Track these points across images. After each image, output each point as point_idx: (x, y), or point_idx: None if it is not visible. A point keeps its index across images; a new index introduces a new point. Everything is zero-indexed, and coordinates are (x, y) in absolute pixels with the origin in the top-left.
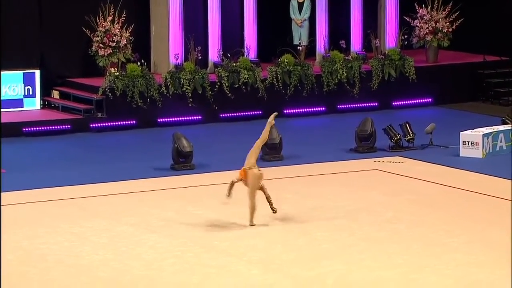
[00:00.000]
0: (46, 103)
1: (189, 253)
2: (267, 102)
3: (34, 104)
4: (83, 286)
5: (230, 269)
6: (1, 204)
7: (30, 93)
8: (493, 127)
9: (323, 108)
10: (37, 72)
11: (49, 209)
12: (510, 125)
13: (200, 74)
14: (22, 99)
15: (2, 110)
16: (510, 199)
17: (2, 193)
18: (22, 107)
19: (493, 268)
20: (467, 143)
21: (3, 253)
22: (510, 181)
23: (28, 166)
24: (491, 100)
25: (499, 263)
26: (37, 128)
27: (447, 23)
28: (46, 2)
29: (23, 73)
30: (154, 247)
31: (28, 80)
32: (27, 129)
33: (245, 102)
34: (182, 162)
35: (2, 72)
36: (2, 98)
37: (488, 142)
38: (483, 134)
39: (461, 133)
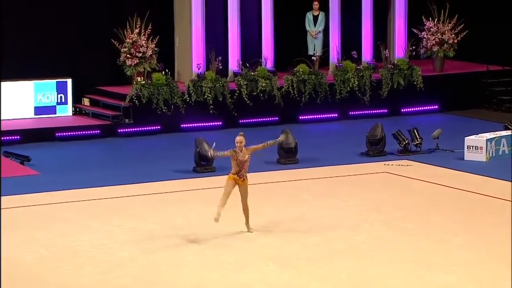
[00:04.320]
0: (78, 109)
1: (209, 250)
2: (283, 109)
3: (66, 111)
4: (112, 281)
5: (247, 266)
6: (14, 206)
7: (63, 100)
8: (496, 132)
9: (336, 115)
10: (69, 81)
11: (81, 209)
12: None
13: (220, 82)
14: (55, 106)
15: (36, 116)
16: (510, 199)
17: (38, 194)
18: (55, 113)
19: (496, 265)
20: (471, 147)
21: (40, 250)
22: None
23: (61, 169)
24: (494, 107)
25: (502, 261)
26: (69, 133)
27: (453, 35)
28: (78, 16)
29: (56, 82)
30: (177, 245)
31: (60, 89)
32: (59, 134)
33: (263, 109)
34: (203, 165)
35: (36, 81)
36: (36, 105)
37: (491, 146)
38: (486, 139)
39: (465, 138)
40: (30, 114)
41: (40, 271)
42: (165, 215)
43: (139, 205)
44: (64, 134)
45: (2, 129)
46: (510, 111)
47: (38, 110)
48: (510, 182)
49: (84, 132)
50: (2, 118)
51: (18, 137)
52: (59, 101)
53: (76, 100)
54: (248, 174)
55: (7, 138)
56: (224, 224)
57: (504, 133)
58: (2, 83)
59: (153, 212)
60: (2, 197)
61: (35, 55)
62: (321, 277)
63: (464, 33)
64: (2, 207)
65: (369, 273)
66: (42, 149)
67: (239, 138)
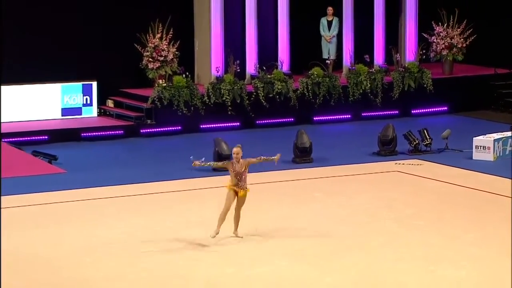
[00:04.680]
0: (102, 111)
1: (225, 246)
2: (299, 110)
3: (91, 112)
4: (129, 275)
5: (261, 261)
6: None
7: (88, 102)
8: (503, 133)
9: (349, 116)
10: (94, 84)
11: (105, 206)
12: None
13: (238, 85)
14: (81, 107)
15: (63, 117)
16: (511, 197)
17: (64, 191)
18: (81, 114)
19: (505, 261)
20: (479, 147)
21: (63, 244)
22: None
23: (86, 167)
24: (501, 108)
25: (509, 256)
26: (94, 134)
27: (462, 39)
28: (103, 22)
29: (82, 84)
30: (194, 241)
31: (86, 91)
32: (85, 134)
33: (279, 110)
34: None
35: (63, 84)
36: (63, 107)
37: (498, 146)
38: (494, 140)
39: (474, 138)
40: (57, 115)
41: (62, 264)
42: (183, 212)
43: (159, 202)
44: (89, 134)
45: (31, 129)
46: None
47: (65, 111)
48: None
49: (108, 133)
50: (30, 119)
51: (46, 137)
52: (84, 102)
53: (101, 101)
54: (262, 173)
55: (36, 138)
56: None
57: (510, 133)
58: (30, 85)
59: (172, 209)
60: (29, 195)
61: (62, 59)
62: (334, 272)
63: (472, 38)
64: (27, 204)
65: (381, 268)
66: (68, 148)
67: (236, 150)
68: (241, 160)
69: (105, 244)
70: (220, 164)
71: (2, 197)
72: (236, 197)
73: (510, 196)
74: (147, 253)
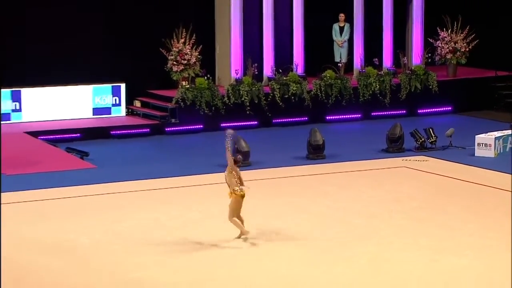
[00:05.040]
0: (130, 110)
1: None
2: (312, 110)
3: (120, 112)
4: (156, 263)
5: (276, 251)
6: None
7: (117, 102)
8: (504, 131)
9: (359, 115)
10: (123, 85)
11: (132, 198)
12: None
13: (256, 86)
14: (110, 107)
15: (94, 116)
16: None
17: (95, 185)
18: (110, 114)
19: (504, 251)
20: (481, 144)
21: (95, 234)
22: None
23: (115, 163)
24: (502, 109)
25: (508, 246)
26: (122, 132)
27: (465, 44)
28: (130, 28)
29: (111, 86)
30: (216, 232)
31: (115, 92)
32: (114, 132)
33: (294, 110)
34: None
35: (94, 85)
36: (94, 107)
37: (499, 144)
38: (495, 137)
39: (476, 136)
40: (89, 114)
41: (95, 253)
42: (206, 204)
43: (183, 195)
44: (118, 132)
45: (65, 128)
46: None
47: (96, 111)
48: None
49: (135, 131)
50: (64, 118)
51: (79, 135)
52: (114, 103)
53: (129, 102)
54: (279, 169)
55: (69, 136)
56: (257, 213)
57: (510, 132)
58: (64, 87)
59: (195, 201)
60: (63, 188)
61: (94, 63)
62: (345, 260)
63: (475, 42)
64: (61, 197)
65: (388, 257)
66: (99, 145)
67: (240, 157)
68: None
69: (133, 233)
70: (231, 157)
71: (38, 190)
72: (242, 199)
73: (510, 190)
74: (172, 242)
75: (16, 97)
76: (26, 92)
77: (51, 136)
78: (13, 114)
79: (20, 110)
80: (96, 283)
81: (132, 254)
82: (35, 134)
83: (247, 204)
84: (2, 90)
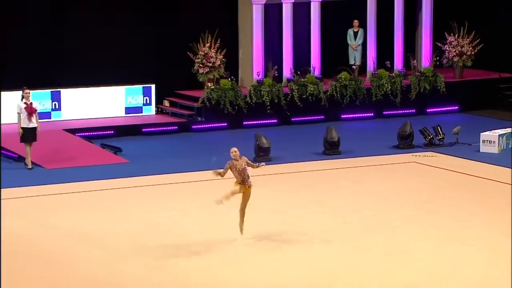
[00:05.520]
0: (159, 109)
1: (265, 225)
2: (328, 109)
3: (150, 111)
4: (183, 250)
5: (295, 239)
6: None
7: (148, 102)
8: (507, 129)
9: (372, 114)
10: (153, 86)
11: (162, 191)
12: None
13: (276, 87)
14: (142, 106)
15: (126, 115)
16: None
17: (128, 178)
18: (142, 112)
19: (507, 240)
20: (486, 141)
21: (130, 223)
22: None
23: (146, 158)
24: (505, 108)
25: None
26: (153, 129)
27: (470, 48)
28: (159, 34)
29: (142, 87)
30: (233, 224)
31: (146, 92)
32: (145, 129)
33: (311, 109)
34: (262, 155)
35: (126, 86)
36: (126, 106)
37: (502, 140)
38: (499, 135)
39: (481, 133)
40: (122, 113)
41: (128, 238)
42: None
43: (209, 188)
44: (149, 129)
45: (99, 125)
46: None
47: (128, 110)
48: None
49: (164, 128)
50: (99, 117)
51: (112, 132)
52: (144, 102)
53: (158, 101)
54: (297, 164)
55: (104, 133)
56: (281, 203)
57: None
58: (99, 88)
59: (220, 193)
60: (98, 181)
61: (126, 66)
62: (359, 250)
63: (480, 46)
64: (97, 189)
65: (399, 246)
66: (131, 141)
67: (233, 149)
68: (239, 158)
69: (163, 223)
70: (226, 168)
71: (75, 183)
72: (243, 193)
73: (511, 183)
74: (199, 231)
75: (55, 97)
76: (65, 93)
77: (87, 133)
78: (52, 113)
79: (59, 109)
80: (131, 269)
81: (160, 241)
82: (72, 131)
83: (268, 196)
84: (41, 90)
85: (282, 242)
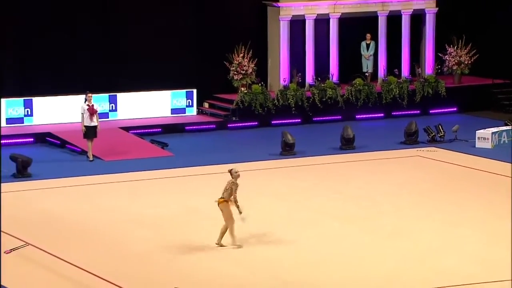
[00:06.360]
0: (200, 110)
1: (287, 210)
2: (345, 110)
3: (192, 111)
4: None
5: (316, 223)
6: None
7: (190, 104)
8: (499, 127)
9: (382, 115)
10: (195, 91)
11: (202, 180)
12: (510, 126)
13: (300, 91)
14: (185, 108)
15: (172, 115)
16: (510, 176)
17: (173, 169)
18: (185, 113)
19: (502, 222)
20: (481, 138)
21: (174, 207)
22: (511, 164)
23: (189, 152)
24: (497, 109)
25: (506, 219)
26: (194, 127)
27: (468, 57)
28: (200, 45)
29: (186, 91)
30: (265, 208)
31: (189, 96)
32: (188, 127)
33: (330, 110)
34: (287, 150)
35: (172, 91)
36: (172, 107)
37: (495, 137)
38: (492, 132)
39: (476, 131)
40: (168, 113)
41: (171, 224)
42: (259, 186)
43: (243, 177)
44: (191, 127)
45: (149, 124)
46: (509, 112)
47: (173, 110)
48: (510, 164)
49: (204, 127)
50: (149, 116)
51: (160, 129)
52: (187, 104)
53: (199, 103)
54: (318, 157)
55: (152, 130)
56: (301, 191)
57: (504, 128)
58: (149, 92)
59: (251, 183)
60: (147, 171)
61: (172, 73)
62: (372, 230)
63: (476, 57)
64: (146, 178)
65: (408, 227)
66: (176, 138)
67: (235, 169)
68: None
69: (202, 208)
70: (236, 192)
71: (129, 173)
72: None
73: (510, 176)
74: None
75: (112, 100)
76: (120, 96)
77: (139, 131)
78: (110, 113)
79: (115, 110)
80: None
81: (200, 228)
82: (127, 129)
83: (293, 186)
84: (101, 94)
85: (308, 223)
